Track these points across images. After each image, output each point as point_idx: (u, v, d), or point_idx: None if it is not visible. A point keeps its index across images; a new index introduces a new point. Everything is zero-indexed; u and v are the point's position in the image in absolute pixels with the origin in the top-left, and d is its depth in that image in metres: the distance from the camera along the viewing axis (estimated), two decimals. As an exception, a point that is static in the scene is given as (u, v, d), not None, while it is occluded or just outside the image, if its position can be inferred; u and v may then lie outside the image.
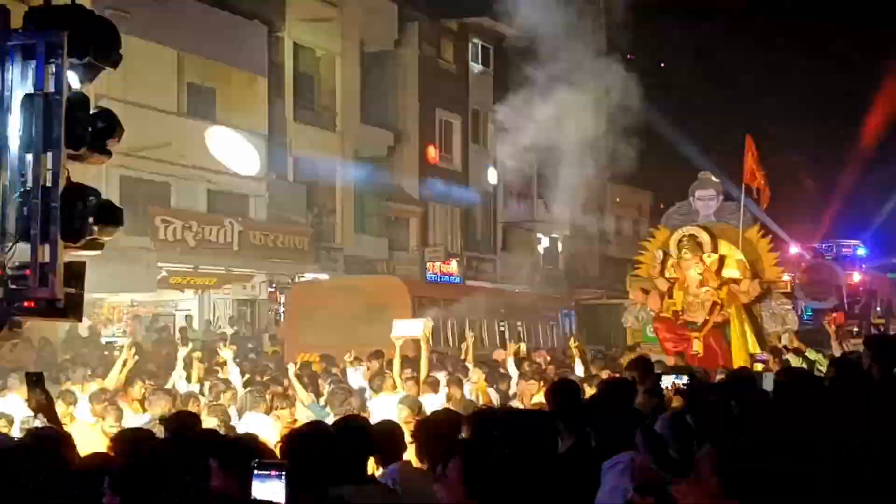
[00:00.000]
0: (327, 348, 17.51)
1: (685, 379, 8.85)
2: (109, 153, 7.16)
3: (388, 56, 34.26)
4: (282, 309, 27.28)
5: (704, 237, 20.82)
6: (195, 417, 7.87)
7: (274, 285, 28.70)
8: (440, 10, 36.45)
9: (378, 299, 21.77)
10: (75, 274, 6.89)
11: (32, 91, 6.66)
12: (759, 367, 15.78)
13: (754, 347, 19.11)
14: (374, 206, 33.58)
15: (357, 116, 32.37)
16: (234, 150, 27.01)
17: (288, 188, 29.35)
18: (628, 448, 4.62)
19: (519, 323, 26.58)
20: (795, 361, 15.42)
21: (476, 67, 38.35)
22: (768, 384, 10.37)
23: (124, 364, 11.96)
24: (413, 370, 12.70)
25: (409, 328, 14.34)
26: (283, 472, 3.78)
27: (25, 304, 6.72)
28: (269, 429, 9.43)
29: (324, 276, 28.17)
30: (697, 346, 19.84)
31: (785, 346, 18.34)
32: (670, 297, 20.88)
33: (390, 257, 33.58)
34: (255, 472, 3.76)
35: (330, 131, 31.62)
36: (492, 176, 39.73)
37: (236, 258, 26.28)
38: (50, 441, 5.58)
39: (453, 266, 34.44)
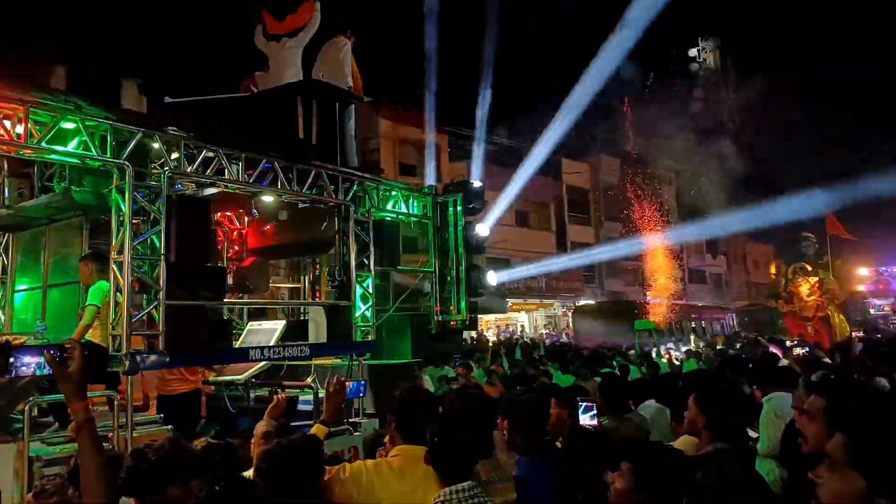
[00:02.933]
0: (593, 340, 22.20)
1: (807, 349, 9.54)
2: (483, 250, 9.05)
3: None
4: (570, 319, 31.10)
5: (808, 268, 24.13)
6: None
7: (564, 307, 33.27)
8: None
9: (618, 312, 26.39)
10: (473, 308, 8.68)
11: (448, 222, 8.65)
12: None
13: (845, 330, 22.48)
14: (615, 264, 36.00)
15: (603, 216, 36.07)
16: (540, 241, 31.53)
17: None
18: None
19: (703, 322, 30.78)
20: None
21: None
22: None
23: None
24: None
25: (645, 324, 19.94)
26: None
27: (452, 323, 8.52)
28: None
29: (591, 302, 31.96)
30: (810, 330, 23.17)
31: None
32: (790, 302, 24.45)
33: (626, 291, 36.21)
34: None
35: (589, 227, 35.58)
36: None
37: (545, 295, 31.16)
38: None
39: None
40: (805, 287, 24.26)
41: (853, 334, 22.29)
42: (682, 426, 3.66)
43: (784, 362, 8.04)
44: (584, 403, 3.82)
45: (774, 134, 41.88)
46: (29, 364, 2.59)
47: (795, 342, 18.01)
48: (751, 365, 8.10)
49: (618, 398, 4.95)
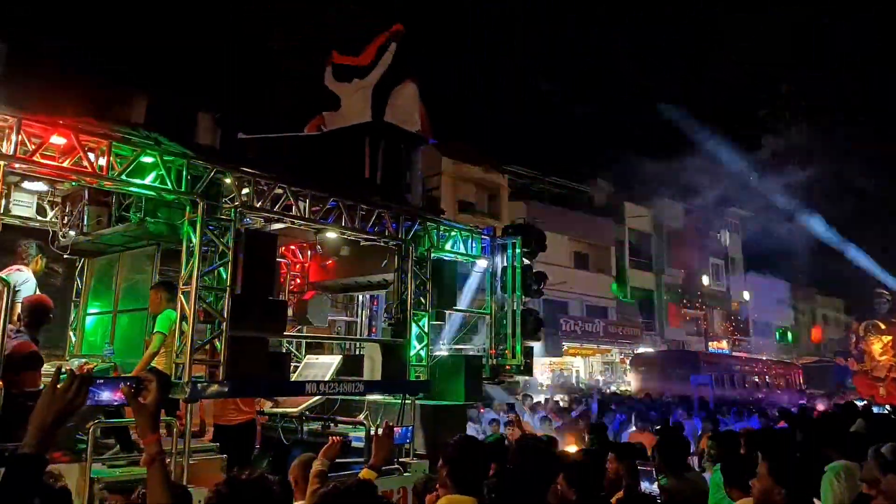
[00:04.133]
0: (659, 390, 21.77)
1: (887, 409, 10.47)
2: (541, 293, 8.96)
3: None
4: (628, 366, 29.88)
5: (881, 326, 23.54)
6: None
7: (622, 354, 31.93)
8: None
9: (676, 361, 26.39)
10: (528, 352, 8.56)
11: (507, 265, 8.61)
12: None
13: None
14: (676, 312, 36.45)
15: (664, 261, 36.38)
16: (599, 283, 31.55)
17: (627, 305, 33.34)
18: None
19: (768, 377, 29.53)
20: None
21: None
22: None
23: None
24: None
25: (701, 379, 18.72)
26: None
27: (506, 367, 8.56)
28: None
29: (651, 349, 31.30)
30: (882, 391, 22.69)
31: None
32: (861, 361, 23.70)
33: (687, 340, 35.25)
34: None
35: (650, 272, 35.72)
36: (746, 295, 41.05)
37: (602, 341, 30.09)
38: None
39: (724, 343, 37.21)
40: (878, 346, 23.60)
41: None
42: (736, 490, 3.52)
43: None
44: (643, 468, 3.69)
45: (846, 185, 39.89)
46: (106, 401, 2.68)
47: (866, 403, 18.35)
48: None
49: (676, 456, 4.79)
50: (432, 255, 7.74)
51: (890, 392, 22.66)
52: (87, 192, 6.44)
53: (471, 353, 9.03)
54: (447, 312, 8.28)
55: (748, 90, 47.65)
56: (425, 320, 7.51)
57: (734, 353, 32.84)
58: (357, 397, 7.22)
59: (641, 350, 30.58)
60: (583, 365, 31.62)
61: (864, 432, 7.47)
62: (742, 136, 36.77)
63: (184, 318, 5.58)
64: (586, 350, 30.80)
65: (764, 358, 33.11)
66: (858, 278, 30.93)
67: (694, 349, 31.51)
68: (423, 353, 7.43)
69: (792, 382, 30.03)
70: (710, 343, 33.53)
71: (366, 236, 7.16)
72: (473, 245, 8.51)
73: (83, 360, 6.06)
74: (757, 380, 29.11)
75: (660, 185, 32.36)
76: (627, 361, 30.37)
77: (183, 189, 5.66)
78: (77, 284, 7.64)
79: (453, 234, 8.26)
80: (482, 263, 8.72)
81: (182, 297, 5.61)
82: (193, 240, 5.67)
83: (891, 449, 3.81)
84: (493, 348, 8.52)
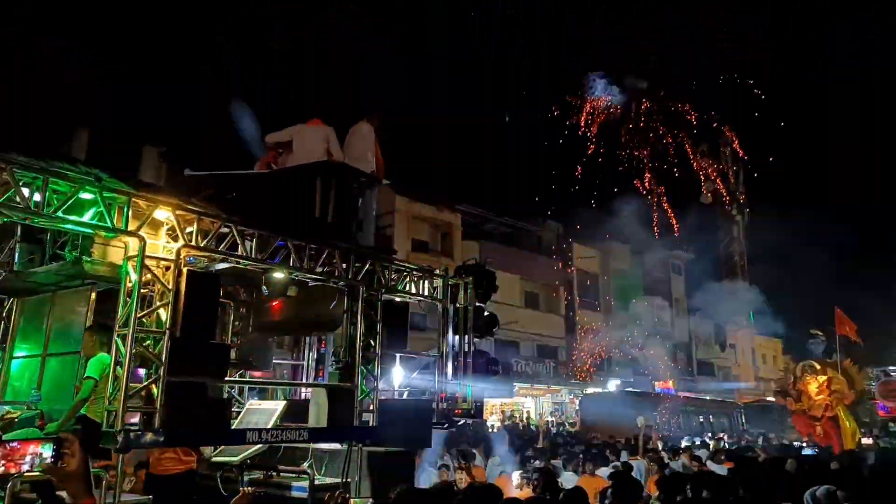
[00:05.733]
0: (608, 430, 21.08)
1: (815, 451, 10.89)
2: (493, 334, 8.86)
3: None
4: (577, 407, 30.07)
5: (817, 366, 23.43)
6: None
7: (572, 394, 32.22)
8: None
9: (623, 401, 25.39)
10: (480, 394, 8.27)
11: (459, 305, 8.42)
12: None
13: (856, 433, 21.68)
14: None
15: (612, 301, 36.73)
16: (549, 323, 32.62)
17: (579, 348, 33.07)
18: None
19: (711, 415, 30.62)
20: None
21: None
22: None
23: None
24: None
25: (646, 419, 17.72)
26: None
27: (457, 412, 8.21)
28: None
29: (599, 389, 31.26)
30: (819, 430, 22.45)
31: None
32: (799, 401, 23.37)
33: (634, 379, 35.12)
34: None
35: (599, 312, 35.87)
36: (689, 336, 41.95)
37: (551, 381, 31.01)
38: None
39: (669, 383, 36.67)
40: (814, 386, 23.70)
41: (862, 439, 21.95)
42: None
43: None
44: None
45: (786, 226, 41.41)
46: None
47: (804, 443, 19.47)
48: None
49: (630, 501, 4.70)
50: (383, 296, 7.53)
51: (826, 431, 22.73)
52: (18, 227, 6.09)
53: (420, 396, 8.79)
54: (397, 355, 8.05)
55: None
56: (374, 363, 7.28)
57: (679, 393, 32.70)
58: (302, 445, 6.90)
59: (591, 390, 30.65)
60: (534, 405, 31.39)
61: (794, 472, 8.00)
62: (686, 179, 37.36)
63: (119, 362, 5.25)
64: (537, 390, 30.66)
65: (707, 398, 33.48)
66: (795, 319, 31.63)
67: (640, 389, 31.55)
68: (371, 397, 7.20)
69: (734, 422, 30.68)
70: (655, 382, 33.71)
71: (315, 276, 6.94)
72: (425, 285, 8.33)
73: (6, 409, 5.64)
74: (701, 419, 29.54)
75: (606, 227, 32.88)
76: (577, 402, 30.51)
77: (123, 227, 5.39)
78: (4, 325, 7.17)
79: (405, 274, 8.06)
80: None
81: (118, 339, 5.30)
82: (132, 280, 5.38)
83: (825, 493, 4.10)
84: (443, 391, 8.28)
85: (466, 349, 8.34)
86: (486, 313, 8.65)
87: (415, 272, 8.22)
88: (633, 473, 9.21)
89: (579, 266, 34.39)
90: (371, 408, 7.14)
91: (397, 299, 7.96)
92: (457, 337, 8.37)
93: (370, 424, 7.07)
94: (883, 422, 27.56)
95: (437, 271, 8.61)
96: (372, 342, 7.31)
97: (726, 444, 18.71)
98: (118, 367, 5.24)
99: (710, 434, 23.67)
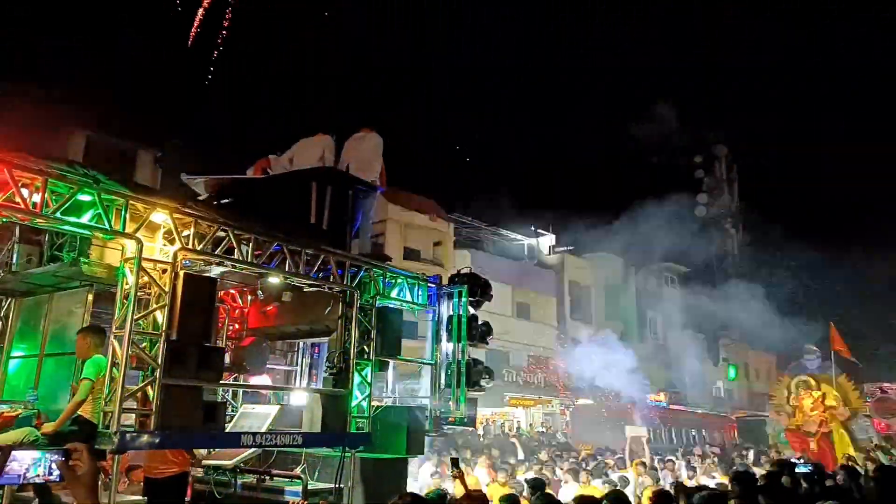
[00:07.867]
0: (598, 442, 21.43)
1: (810, 467, 9.45)
2: (487, 342, 8.83)
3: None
4: (568, 418, 30.54)
5: (812, 382, 23.72)
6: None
7: (563, 406, 31.27)
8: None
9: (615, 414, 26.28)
10: (472, 404, 8.41)
11: (452, 314, 8.48)
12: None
13: (849, 448, 21.41)
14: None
15: (603, 314, 37.02)
16: (541, 334, 32.14)
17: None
18: None
19: (703, 430, 30.82)
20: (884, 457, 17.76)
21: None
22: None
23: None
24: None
25: (636, 431, 18.60)
26: None
27: (450, 419, 8.25)
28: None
29: (590, 401, 30.02)
30: (813, 446, 22.67)
31: (876, 445, 20.91)
32: (793, 416, 23.81)
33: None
34: None
35: (589, 324, 35.18)
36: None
37: (542, 392, 29.95)
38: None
39: (661, 396, 36.56)
40: (808, 401, 23.99)
41: (857, 454, 20.87)
42: None
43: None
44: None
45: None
46: (22, 462, 2.47)
47: (798, 458, 17.96)
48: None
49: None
50: (377, 302, 7.61)
51: (821, 447, 22.95)
52: (17, 228, 6.16)
53: (414, 403, 8.85)
54: (391, 362, 8.14)
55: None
56: (368, 370, 7.35)
57: (671, 406, 32.62)
58: (295, 450, 6.95)
59: (582, 402, 30.60)
60: (524, 416, 31.26)
61: (790, 487, 7.79)
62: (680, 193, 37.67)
63: (115, 364, 5.32)
64: (527, 401, 30.50)
65: (699, 411, 33.57)
66: (788, 334, 31.72)
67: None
68: (364, 403, 7.27)
69: (727, 436, 30.91)
70: (647, 396, 33.67)
71: (310, 282, 7.03)
72: (419, 293, 8.40)
73: (4, 407, 5.70)
74: (694, 433, 29.88)
75: (600, 239, 33.04)
76: (568, 413, 30.58)
77: (121, 229, 5.46)
78: (0, 325, 7.21)
79: (399, 281, 8.14)
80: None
81: (115, 341, 5.36)
82: (129, 282, 5.45)
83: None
84: (436, 399, 8.36)
85: (460, 357, 8.41)
86: (479, 322, 8.70)
87: (409, 279, 8.29)
88: (628, 489, 9.19)
89: (571, 278, 34.08)
90: (365, 414, 7.21)
91: (392, 305, 8.02)
92: (450, 345, 8.44)
93: (363, 431, 7.12)
94: (879, 438, 27.60)
95: (431, 278, 8.70)
96: (366, 348, 7.39)
97: (715, 460, 18.54)
98: (114, 369, 5.29)
99: (701, 447, 23.51)
